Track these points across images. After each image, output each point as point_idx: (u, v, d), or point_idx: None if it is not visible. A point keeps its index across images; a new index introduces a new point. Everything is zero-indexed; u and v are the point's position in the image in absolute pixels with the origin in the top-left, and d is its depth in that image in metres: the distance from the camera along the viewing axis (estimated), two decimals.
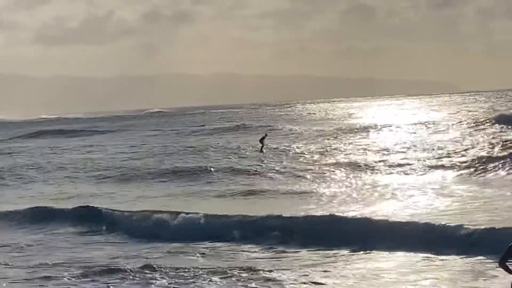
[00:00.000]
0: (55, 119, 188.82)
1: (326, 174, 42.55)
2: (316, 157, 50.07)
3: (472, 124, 61.86)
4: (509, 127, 56.58)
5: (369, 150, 51.49)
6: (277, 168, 45.69)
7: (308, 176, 42.23)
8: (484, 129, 58.35)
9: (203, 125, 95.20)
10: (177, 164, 50.63)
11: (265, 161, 49.58)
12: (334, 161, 47.73)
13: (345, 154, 50.66)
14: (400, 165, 44.14)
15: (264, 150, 54.92)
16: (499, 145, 47.70)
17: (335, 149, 54.00)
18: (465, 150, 47.78)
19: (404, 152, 49.46)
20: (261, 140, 56.49)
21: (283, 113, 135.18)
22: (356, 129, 67.98)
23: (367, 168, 44.00)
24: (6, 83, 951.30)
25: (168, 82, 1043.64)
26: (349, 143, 56.98)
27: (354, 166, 44.88)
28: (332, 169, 44.13)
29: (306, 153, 52.40)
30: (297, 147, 55.81)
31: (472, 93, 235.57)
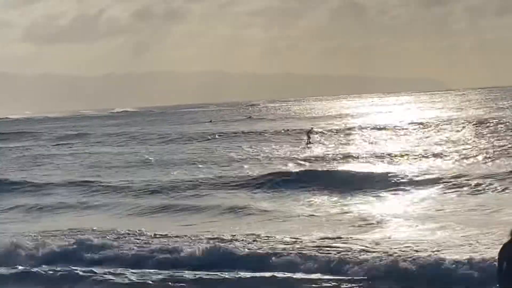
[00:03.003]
0: (15, 120, 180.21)
1: None
2: None
3: None
4: None
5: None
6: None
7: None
8: None
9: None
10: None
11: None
12: None
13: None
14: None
15: (310, 144, 55.24)
16: None
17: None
18: None
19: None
20: (308, 134, 58.26)
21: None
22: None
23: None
24: None
25: (156, 80, 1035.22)
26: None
27: None
28: None
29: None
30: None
31: (461, 91, 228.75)
